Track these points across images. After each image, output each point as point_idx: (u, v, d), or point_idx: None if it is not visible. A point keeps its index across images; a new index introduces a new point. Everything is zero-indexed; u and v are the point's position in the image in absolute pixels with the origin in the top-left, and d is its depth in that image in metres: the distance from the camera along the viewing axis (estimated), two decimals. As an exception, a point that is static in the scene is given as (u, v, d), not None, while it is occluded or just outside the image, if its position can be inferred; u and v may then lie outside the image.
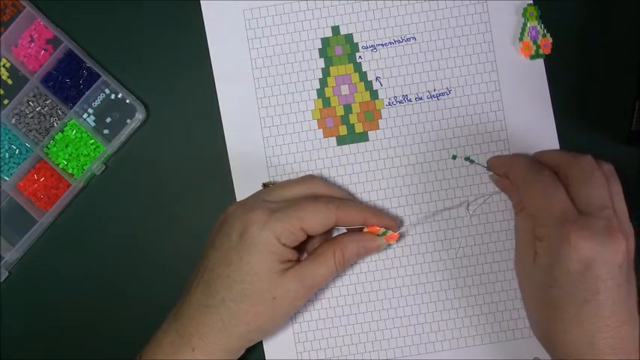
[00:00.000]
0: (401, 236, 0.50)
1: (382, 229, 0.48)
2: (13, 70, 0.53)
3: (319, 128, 0.52)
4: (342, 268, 0.47)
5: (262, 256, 0.44)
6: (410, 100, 0.52)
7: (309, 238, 0.47)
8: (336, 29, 0.52)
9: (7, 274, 0.52)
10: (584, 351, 0.41)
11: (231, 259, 0.44)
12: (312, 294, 0.46)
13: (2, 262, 0.51)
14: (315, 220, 0.45)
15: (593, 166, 0.44)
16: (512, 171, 0.47)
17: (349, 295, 0.51)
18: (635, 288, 0.43)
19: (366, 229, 0.48)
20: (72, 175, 0.52)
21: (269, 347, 0.51)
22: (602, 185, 0.43)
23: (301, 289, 0.45)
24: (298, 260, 0.46)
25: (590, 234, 0.41)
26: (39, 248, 0.52)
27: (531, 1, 0.52)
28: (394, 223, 0.48)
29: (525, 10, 0.51)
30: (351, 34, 0.52)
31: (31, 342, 0.52)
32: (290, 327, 0.51)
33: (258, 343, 0.50)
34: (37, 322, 0.52)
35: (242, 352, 0.47)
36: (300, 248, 0.47)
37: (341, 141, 0.52)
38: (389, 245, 0.50)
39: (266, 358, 0.51)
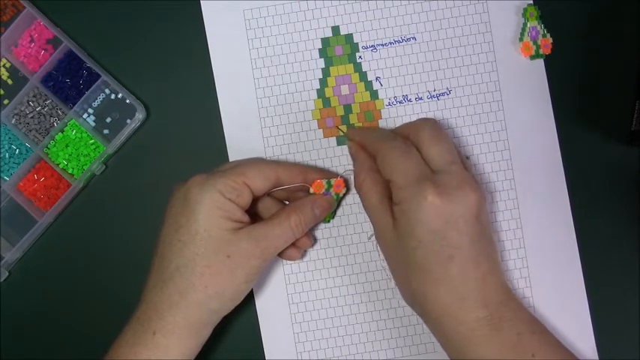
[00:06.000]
0: (346, 184, 0.50)
1: (325, 182, 0.49)
2: (13, 70, 0.53)
3: (319, 128, 0.52)
4: (300, 231, 0.47)
5: (210, 212, 0.43)
6: (410, 100, 0.52)
7: (263, 205, 0.48)
8: (336, 29, 0.52)
9: (7, 274, 0.52)
10: (456, 307, 0.42)
11: (180, 223, 0.44)
12: (268, 256, 0.45)
13: (2, 262, 0.51)
14: (256, 173, 0.45)
15: (439, 125, 0.46)
16: (368, 140, 0.48)
17: (349, 295, 0.51)
18: (492, 235, 0.45)
19: (312, 191, 0.48)
20: (72, 175, 0.52)
21: (269, 347, 0.51)
22: (448, 142, 0.45)
23: (255, 248, 0.44)
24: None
25: (445, 190, 0.42)
26: (39, 248, 0.52)
27: (531, 1, 0.52)
28: (335, 174, 0.50)
29: (525, 10, 0.51)
30: (351, 34, 0.52)
31: (31, 342, 0.52)
32: (290, 327, 0.51)
33: (258, 343, 0.51)
34: (37, 322, 0.52)
35: (207, 332, 0.45)
36: (254, 219, 0.47)
37: (341, 141, 0.52)
38: (338, 197, 0.50)
39: (266, 358, 0.51)
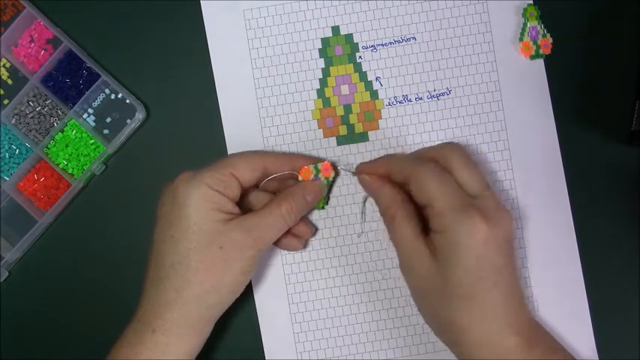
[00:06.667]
0: (334, 167, 0.50)
1: (313, 167, 0.48)
2: (13, 70, 0.53)
3: (319, 128, 0.52)
4: (292, 219, 0.46)
5: (199, 206, 0.43)
6: (410, 100, 0.52)
7: (255, 198, 0.48)
8: (336, 29, 0.52)
9: (7, 274, 0.52)
10: (497, 334, 0.42)
11: (172, 221, 0.44)
12: (262, 246, 0.45)
13: (2, 262, 0.51)
14: (242, 164, 0.46)
15: (466, 150, 0.46)
16: (395, 168, 0.46)
17: (349, 295, 0.51)
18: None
19: (300, 178, 0.48)
20: (72, 175, 0.52)
21: (269, 347, 0.51)
22: (479, 167, 0.45)
23: (248, 238, 0.44)
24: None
25: (488, 215, 0.42)
26: (39, 248, 0.52)
27: (531, 1, 0.52)
28: (322, 159, 0.50)
29: (525, 10, 0.51)
30: (351, 34, 0.52)
31: (31, 342, 0.52)
32: (290, 327, 0.51)
33: (258, 343, 0.51)
34: (37, 322, 0.52)
35: (207, 329, 0.45)
36: (245, 210, 0.47)
37: (341, 141, 0.52)
38: (328, 182, 0.49)
39: (266, 358, 0.51)
